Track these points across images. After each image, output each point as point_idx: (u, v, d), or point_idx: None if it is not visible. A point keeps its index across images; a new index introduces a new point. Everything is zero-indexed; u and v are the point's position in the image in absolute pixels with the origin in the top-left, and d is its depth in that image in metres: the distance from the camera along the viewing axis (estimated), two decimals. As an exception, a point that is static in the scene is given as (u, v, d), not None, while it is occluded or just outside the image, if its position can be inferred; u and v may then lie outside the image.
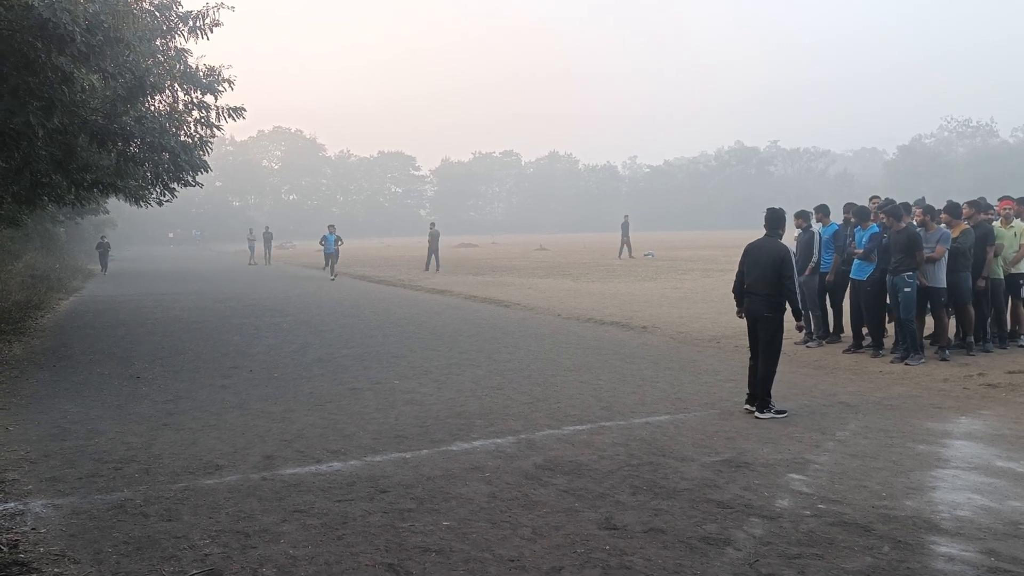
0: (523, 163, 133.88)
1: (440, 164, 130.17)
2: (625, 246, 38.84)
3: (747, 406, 8.52)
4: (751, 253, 8.63)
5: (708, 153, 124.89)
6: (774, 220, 8.66)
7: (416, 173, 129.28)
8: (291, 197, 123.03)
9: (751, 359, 8.64)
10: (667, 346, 13.07)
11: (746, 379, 8.81)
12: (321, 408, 8.89)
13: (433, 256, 33.56)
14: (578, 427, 7.93)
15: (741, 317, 8.78)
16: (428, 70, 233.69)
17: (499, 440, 7.46)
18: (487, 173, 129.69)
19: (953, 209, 11.50)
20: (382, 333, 15.05)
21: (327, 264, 31.78)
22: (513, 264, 36.64)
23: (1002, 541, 5.00)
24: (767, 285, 8.37)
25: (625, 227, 39.85)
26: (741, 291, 8.72)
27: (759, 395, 8.33)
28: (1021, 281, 11.89)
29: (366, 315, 18.28)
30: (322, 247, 32.63)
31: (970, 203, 11.98)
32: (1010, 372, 10.20)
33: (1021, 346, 11.97)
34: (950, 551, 4.87)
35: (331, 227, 33.47)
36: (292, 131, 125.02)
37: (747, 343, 8.85)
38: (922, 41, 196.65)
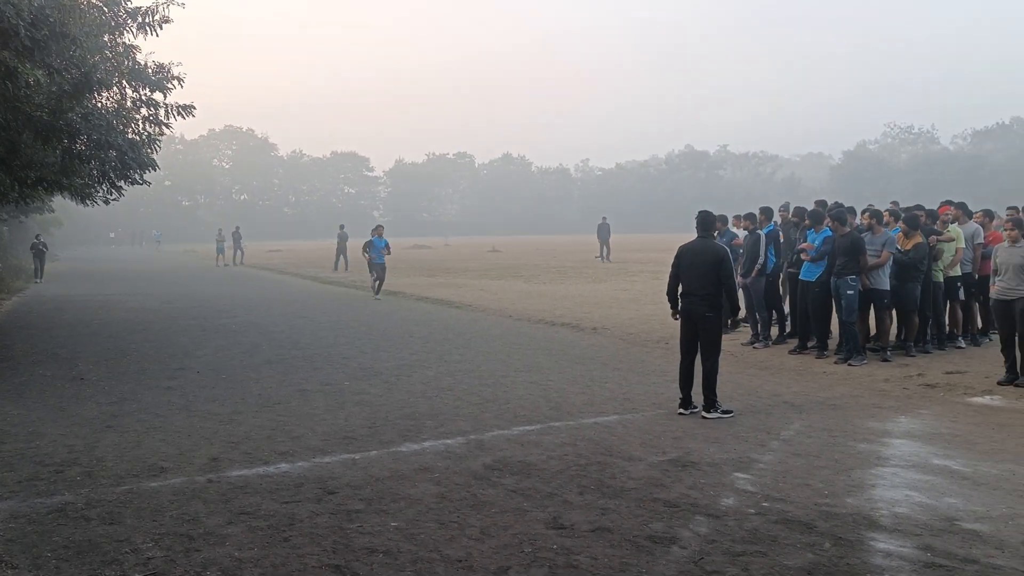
0: (477, 165, 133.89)
1: (394, 165, 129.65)
2: (605, 247, 38.16)
3: (681, 410, 8.53)
4: (686, 255, 8.70)
5: (659, 156, 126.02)
6: (707, 222, 8.79)
7: (369, 174, 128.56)
8: (242, 197, 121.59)
9: (682, 361, 8.68)
10: (616, 347, 13.18)
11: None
12: (269, 409, 8.81)
13: (342, 256, 35.74)
14: (527, 427, 7.96)
15: (676, 319, 8.86)
16: (383, 71, 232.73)
17: (448, 441, 7.47)
18: (441, 174, 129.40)
19: (911, 220, 11.70)
20: (333, 334, 14.96)
21: (373, 279, 23.25)
22: (465, 266, 36.63)
23: (938, 537, 5.13)
24: (706, 285, 8.46)
25: (603, 229, 38.82)
26: (676, 294, 8.79)
27: (705, 394, 8.40)
28: (958, 284, 12.19)
29: (317, 316, 18.15)
30: (366, 256, 23.28)
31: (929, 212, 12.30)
32: (947, 372, 10.47)
33: (958, 347, 12.29)
34: (888, 547, 4.98)
35: (379, 229, 24.08)
36: (244, 130, 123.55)
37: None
38: (867, 50, 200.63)
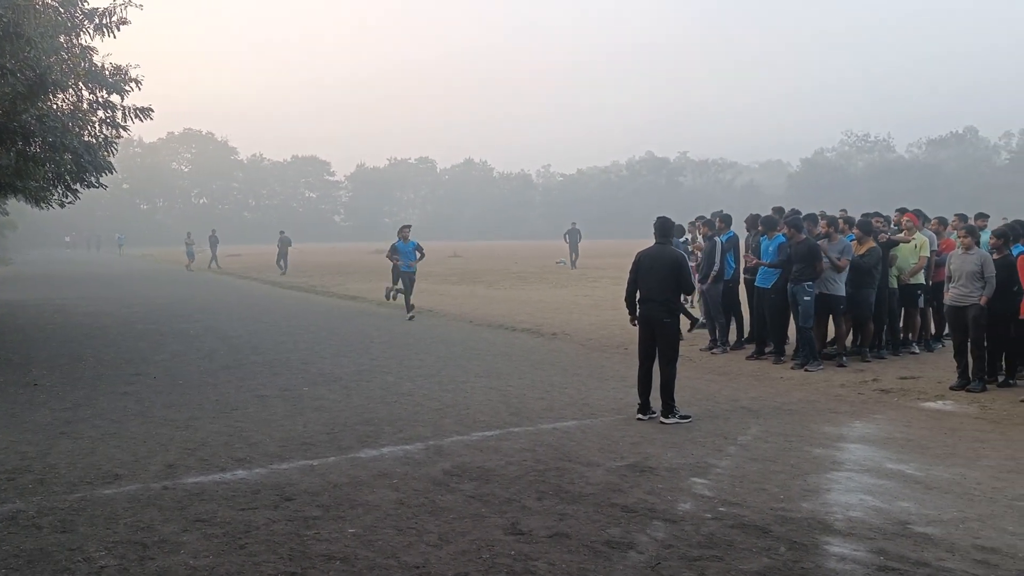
0: (438, 170, 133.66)
1: (355, 169, 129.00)
2: (573, 252, 37.59)
3: (639, 416, 8.55)
4: (644, 261, 8.74)
5: (620, 163, 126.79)
6: (665, 228, 8.84)
7: (331, 178, 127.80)
8: (201, 201, 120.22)
9: (641, 367, 8.71)
10: (576, 352, 13.22)
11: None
12: (227, 416, 8.72)
13: (282, 260, 36.65)
14: (487, 433, 7.97)
15: (635, 325, 8.90)
16: (344, 75, 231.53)
17: (408, 447, 7.44)
18: (402, 179, 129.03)
19: (864, 225, 11.88)
20: (292, 339, 14.84)
21: (391, 290, 19.48)
22: (427, 271, 36.47)
23: (891, 540, 5.21)
24: (665, 291, 8.50)
25: (573, 234, 38.09)
26: (634, 300, 8.83)
27: (663, 400, 8.43)
28: (918, 292, 12.39)
29: (277, 321, 18.00)
30: (395, 260, 18.87)
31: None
32: (902, 378, 10.65)
33: (912, 353, 12.51)
34: (842, 551, 5.05)
35: (404, 231, 19.07)
36: (203, 133, 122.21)
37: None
38: (825, 59, 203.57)
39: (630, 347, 13.37)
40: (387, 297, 19.89)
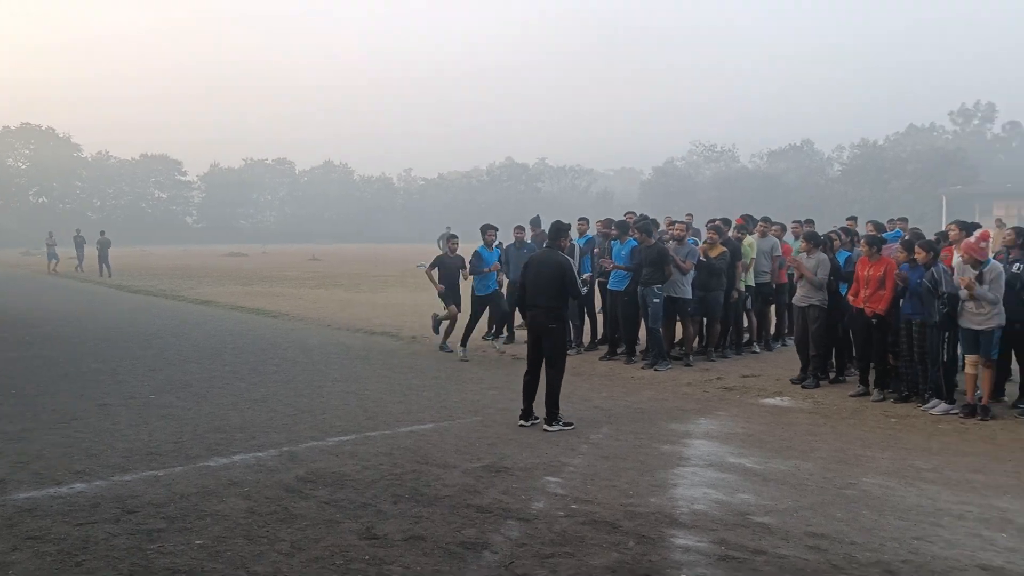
0: (297, 171, 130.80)
1: (209, 170, 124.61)
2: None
3: (522, 422, 8.46)
4: (531, 266, 8.67)
5: (481, 168, 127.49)
6: (556, 232, 8.77)
7: (182, 178, 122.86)
8: (40, 200, 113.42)
9: (527, 373, 8.61)
10: (435, 356, 13.23)
11: (518, 391, 8.69)
12: (65, 426, 8.28)
13: (104, 264, 35.44)
14: (343, 438, 7.88)
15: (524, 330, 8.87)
16: (197, 69, 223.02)
17: (260, 454, 7.27)
18: (259, 180, 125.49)
19: (717, 229, 12.42)
20: (139, 345, 14.23)
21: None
22: (284, 274, 35.74)
23: (732, 531, 5.46)
24: (550, 297, 8.41)
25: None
26: (523, 304, 8.78)
27: (547, 407, 8.33)
28: (747, 294, 13.01)
29: (122, 327, 17.19)
30: (472, 274, 13.41)
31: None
32: (743, 376, 11.17)
33: (754, 352, 13.14)
34: (687, 542, 5.26)
35: (491, 233, 13.57)
36: (43, 128, 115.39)
37: (524, 355, 8.95)
38: (676, 73, 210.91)
39: (488, 350, 13.53)
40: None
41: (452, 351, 13.26)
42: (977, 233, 9.44)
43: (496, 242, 13.73)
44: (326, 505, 5.91)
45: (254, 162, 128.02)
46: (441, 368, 12.04)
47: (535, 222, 14.39)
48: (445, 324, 13.73)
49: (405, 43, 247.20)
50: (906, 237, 10.53)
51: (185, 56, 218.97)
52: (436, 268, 13.86)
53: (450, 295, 13.56)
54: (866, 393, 9.97)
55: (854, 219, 14.41)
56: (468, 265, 13.32)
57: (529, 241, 14.20)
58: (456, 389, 10.42)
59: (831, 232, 11.82)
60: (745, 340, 13.34)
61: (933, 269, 9.07)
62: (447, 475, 6.67)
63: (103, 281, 31.84)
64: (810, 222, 13.91)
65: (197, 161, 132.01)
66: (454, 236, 14.57)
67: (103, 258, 36.24)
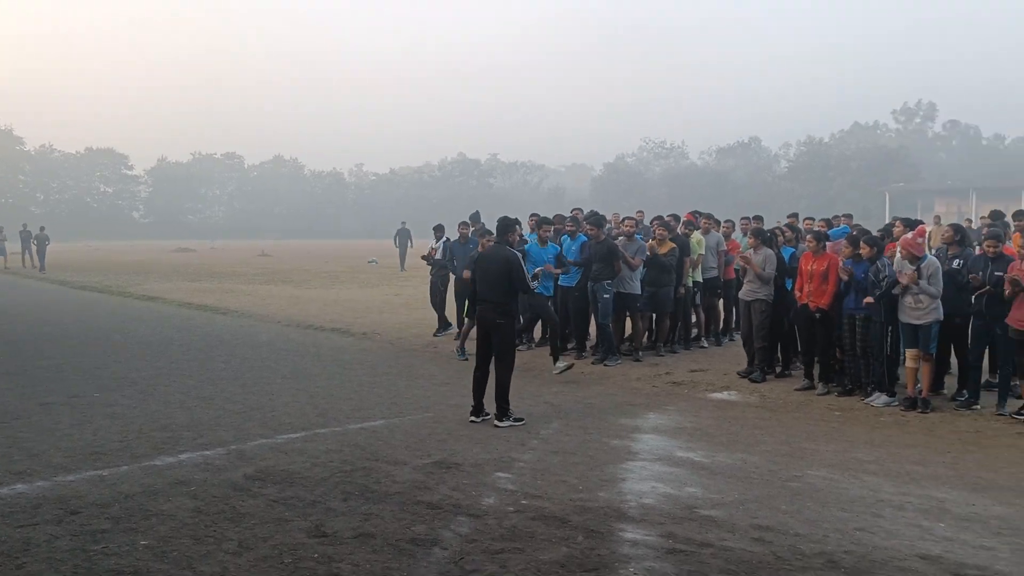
0: (246, 166, 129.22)
1: (156, 164, 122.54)
2: (401, 254, 36.00)
3: (472, 418, 8.47)
4: (481, 262, 8.72)
5: (433, 163, 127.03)
6: (502, 227, 8.82)
7: (129, 173, 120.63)
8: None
9: (477, 369, 8.61)
10: (386, 352, 13.20)
11: (470, 387, 8.69)
12: (5, 426, 8.09)
13: (40, 258, 35.72)
14: (292, 435, 7.82)
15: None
16: (143, 61, 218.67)
17: (208, 452, 7.19)
18: (207, 175, 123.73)
19: (667, 226, 12.51)
20: (83, 342, 13.97)
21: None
22: (233, 270, 35.30)
23: (679, 524, 5.54)
24: (498, 292, 8.44)
25: (402, 234, 36.55)
26: (474, 300, 8.80)
27: (497, 403, 8.35)
28: (695, 289, 13.16)
29: (67, 324, 16.85)
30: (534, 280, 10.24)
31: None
32: (692, 371, 11.31)
33: (702, 347, 13.31)
34: (635, 536, 5.32)
35: (547, 228, 11.87)
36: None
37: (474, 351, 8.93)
38: (626, 71, 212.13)
39: (439, 346, 13.53)
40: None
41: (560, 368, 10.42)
42: (914, 230, 9.68)
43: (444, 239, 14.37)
44: (275, 503, 5.86)
45: (202, 156, 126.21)
46: (392, 364, 12.00)
47: (474, 218, 14.45)
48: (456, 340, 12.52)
49: (355, 38, 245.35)
50: (853, 233, 10.74)
51: (131, 50, 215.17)
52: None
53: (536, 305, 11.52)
54: (811, 387, 10.16)
55: (795, 216, 14.66)
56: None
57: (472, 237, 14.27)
58: (407, 385, 10.40)
59: (776, 228, 12.02)
60: (693, 335, 13.50)
61: (877, 263, 9.27)
62: (397, 472, 6.66)
63: (46, 277, 31.15)
64: (759, 218, 14.10)
65: (144, 155, 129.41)
66: (545, 219, 12.43)
67: (41, 254, 36.20)
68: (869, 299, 9.22)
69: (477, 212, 14.86)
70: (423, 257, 15.07)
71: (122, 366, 11.61)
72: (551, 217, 12.88)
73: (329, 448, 7.35)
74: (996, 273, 8.83)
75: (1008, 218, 12.79)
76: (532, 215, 14.26)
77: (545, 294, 11.33)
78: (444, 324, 14.73)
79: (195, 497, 5.97)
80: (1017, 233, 11.66)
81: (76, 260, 41.35)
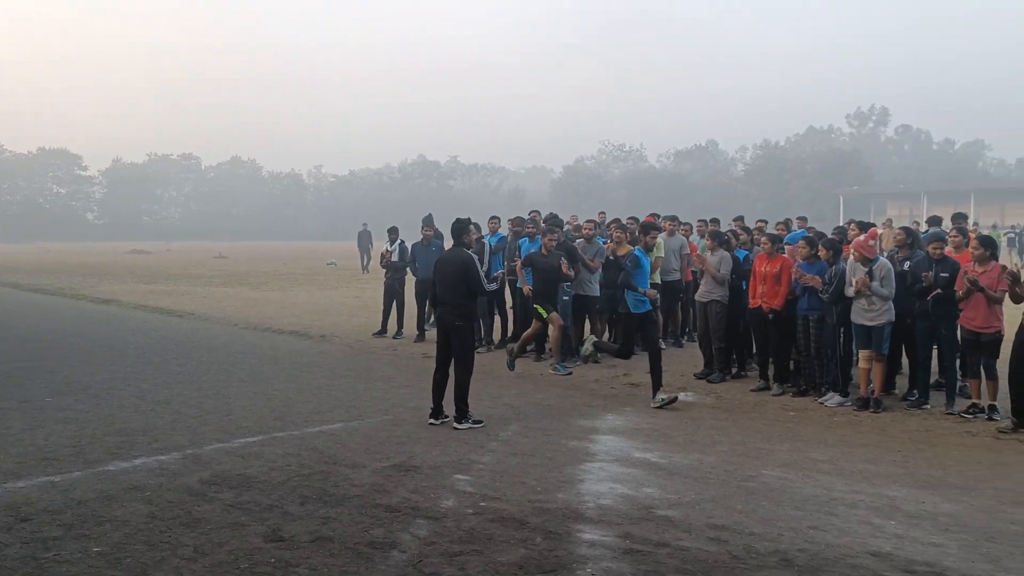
0: (203, 167, 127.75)
1: (111, 165, 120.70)
2: (365, 255, 35.55)
3: (431, 420, 8.46)
4: (440, 265, 8.75)
5: (392, 165, 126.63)
6: (456, 230, 8.83)
7: (83, 173, 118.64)
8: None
9: (436, 372, 8.61)
10: (345, 354, 13.13)
11: (429, 390, 8.66)
12: (-46, 432, 7.94)
13: None
14: (249, 439, 7.75)
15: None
16: (97, 59, 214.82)
17: (163, 457, 7.11)
18: (164, 176, 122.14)
19: (623, 228, 12.56)
20: (35, 346, 13.71)
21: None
22: (189, 272, 34.90)
23: (636, 525, 5.58)
24: (456, 295, 8.47)
25: (364, 237, 36.07)
26: (435, 303, 8.80)
27: (456, 405, 8.35)
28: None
29: (17, 326, 16.53)
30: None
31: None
32: (648, 373, 11.33)
33: (661, 348, 13.37)
34: (593, 537, 5.36)
35: (624, 238, 12.00)
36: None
37: (434, 354, 8.92)
38: (584, 71, 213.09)
39: (398, 348, 13.51)
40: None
41: (569, 370, 11.29)
42: (867, 232, 9.85)
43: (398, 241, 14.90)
44: (231, 508, 5.81)
45: (158, 157, 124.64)
46: (351, 367, 11.94)
47: (427, 220, 14.48)
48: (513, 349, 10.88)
49: (314, 38, 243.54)
50: (809, 235, 10.90)
51: (85, 48, 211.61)
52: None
53: (549, 302, 11.27)
54: (766, 388, 10.30)
55: (741, 218, 14.80)
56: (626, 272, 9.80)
57: (434, 239, 14.34)
58: (366, 388, 10.36)
59: (729, 230, 12.16)
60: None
61: (834, 267, 9.42)
62: (356, 475, 6.64)
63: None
64: (715, 221, 14.25)
65: (98, 156, 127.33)
66: (555, 228, 11.89)
67: None
68: (816, 278, 9.38)
69: (430, 215, 14.91)
70: (381, 264, 15.10)
71: (75, 369, 11.42)
72: (524, 217, 12.96)
73: (286, 452, 7.30)
74: (942, 275, 9.03)
75: (947, 222, 13.04)
76: (492, 217, 14.31)
77: (641, 309, 9.79)
78: (384, 328, 14.91)
79: (150, 502, 5.90)
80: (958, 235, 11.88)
81: (28, 262, 40.64)
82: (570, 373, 11.21)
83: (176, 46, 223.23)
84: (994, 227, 39.92)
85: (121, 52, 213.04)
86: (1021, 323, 8.31)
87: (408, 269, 14.71)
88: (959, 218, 12.33)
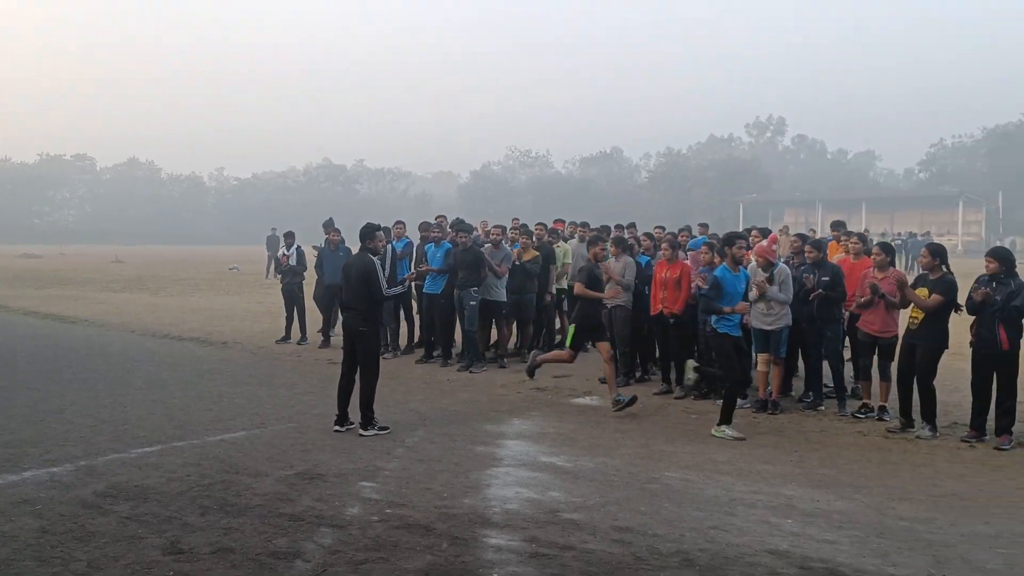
0: (99, 168, 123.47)
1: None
2: (273, 260, 34.74)
3: (337, 427, 8.37)
4: (345, 269, 8.73)
5: (297, 168, 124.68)
6: (363, 234, 8.75)
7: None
8: None
9: (342, 378, 8.54)
10: (247, 361, 12.88)
11: (334, 396, 8.60)
12: None
13: None
14: (147, 449, 7.54)
15: None
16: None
17: (55, 469, 6.85)
18: (56, 177, 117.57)
19: (529, 234, 12.68)
20: (-87, 355, 13.04)
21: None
22: (84, 277, 33.65)
23: (542, 528, 5.63)
24: (361, 300, 8.42)
25: (273, 241, 34.43)
26: (342, 308, 8.73)
27: (361, 411, 8.27)
28: (563, 296, 13.39)
29: None
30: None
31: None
32: (555, 376, 11.47)
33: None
34: (499, 542, 5.39)
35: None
36: None
37: (339, 360, 8.82)
38: (490, 77, 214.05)
39: (303, 354, 13.33)
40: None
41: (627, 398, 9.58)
42: (768, 237, 10.18)
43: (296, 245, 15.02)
44: (127, 520, 5.64)
45: (51, 157, 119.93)
46: (253, 374, 11.72)
47: (329, 224, 14.40)
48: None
49: (217, 36, 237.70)
50: (710, 241, 11.17)
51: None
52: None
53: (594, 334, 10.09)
54: (668, 391, 10.51)
55: (633, 225, 15.03)
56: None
57: (323, 244, 14.31)
58: (269, 395, 10.18)
59: (632, 236, 12.37)
60: (557, 341, 13.71)
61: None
62: (258, 484, 6.52)
63: None
64: (632, 226, 14.47)
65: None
66: (601, 238, 10.79)
67: None
68: (703, 275, 9.61)
69: (331, 219, 14.82)
70: (276, 270, 14.92)
71: (-42, 379, 10.90)
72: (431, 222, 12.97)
73: (186, 461, 7.12)
74: (823, 278, 9.40)
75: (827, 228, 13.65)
76: (397, 222, 14.23)
77: (733, 334, 8.71)
78: (288, 335, 14.80)
79: (40, 516, 5.68)
80: (833, 242, 12.39)
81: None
82: (633, 400, 9.52)
83: (69, 42, 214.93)
84: (883, 235, 41.61)
85: (8, 48, 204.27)
86: (907, 327, 8.68)
87: (304, 273, 14.77)
88: (838, 226, 12.86)
